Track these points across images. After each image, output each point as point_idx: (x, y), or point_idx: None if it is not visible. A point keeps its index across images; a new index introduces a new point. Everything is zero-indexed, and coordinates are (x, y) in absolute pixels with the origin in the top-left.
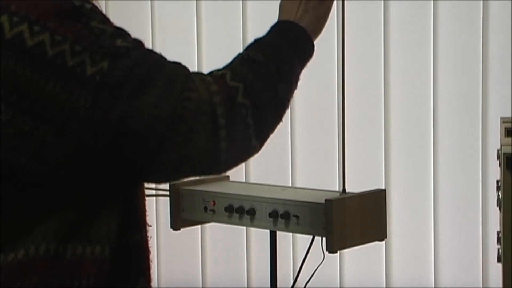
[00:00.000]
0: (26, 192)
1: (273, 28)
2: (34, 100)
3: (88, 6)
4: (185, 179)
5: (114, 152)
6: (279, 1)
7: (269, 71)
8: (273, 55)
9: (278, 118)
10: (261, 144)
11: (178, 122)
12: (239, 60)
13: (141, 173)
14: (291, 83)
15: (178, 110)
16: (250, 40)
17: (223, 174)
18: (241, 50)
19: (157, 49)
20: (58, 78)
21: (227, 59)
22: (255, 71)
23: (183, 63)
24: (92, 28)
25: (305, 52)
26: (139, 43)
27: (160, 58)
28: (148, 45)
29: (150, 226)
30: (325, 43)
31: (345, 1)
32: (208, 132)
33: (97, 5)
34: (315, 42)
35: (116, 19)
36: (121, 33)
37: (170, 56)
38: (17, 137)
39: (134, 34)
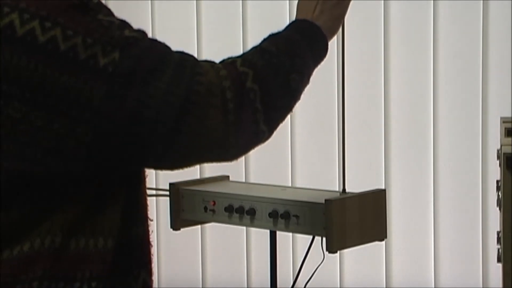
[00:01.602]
0: (36, 187)
1: (290, 25)
2: (48, 94)
3: (95, 0)
4: (186, 180)
5: (130, 140)
6: (278, 2)
7: (281, 61)
8: (286, 47)
9: (288, 107)
10: (270, 131)
11: (190, 106)
12: (252, 50)
13: (155, 159)
14: (303, 75)
15: (189, 94)
16: (250, 40)
17: (227, 173)
18: (241, 50)
19: None
20: (71, 71)
21: None
22: (267, 60)
23: None
24: (100, 21)
25: (319, 50)
26: (143, 34)
27: (166, 46)
28: None
29: (152, 220)
30: None
31: None
32: (219, 115)
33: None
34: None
35: None
36: (126, 24)
37: None
38: (31, 133)
39: None
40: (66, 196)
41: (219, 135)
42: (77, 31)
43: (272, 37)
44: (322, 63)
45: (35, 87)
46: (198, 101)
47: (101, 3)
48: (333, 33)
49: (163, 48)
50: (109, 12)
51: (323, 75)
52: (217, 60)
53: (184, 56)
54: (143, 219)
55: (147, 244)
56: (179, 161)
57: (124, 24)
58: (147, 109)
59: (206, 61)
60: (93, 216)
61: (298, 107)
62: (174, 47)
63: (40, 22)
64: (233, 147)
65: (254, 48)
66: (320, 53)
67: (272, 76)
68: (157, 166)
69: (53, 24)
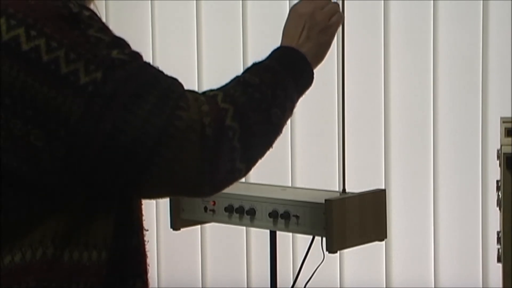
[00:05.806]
0: (22, 195)
1: (273, 53)
2: (27, 104)
3: (87, 13)
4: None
5: (102, 163)
6: (278, 2)
7: (263, 95)
8: (269, 79)
9: (268, 143)
10: (248, 168)
11: (168, 139)
12: (234, 82)
13: (126, 187)
14: (285, 109)
15: (168, 127)
16: (250, 40)
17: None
18: (241, 50)
19: (157, 50)
20: (51, 84)
21: (227, 60)
22: (249, 94)
23: (183, 63)
24: (89, 36)
25: (303, 79)
26: (137, 56)
27: (156, 72)
28: (148, 45)
29: (147, 230)
30: None
31: (345, 1)
32: (196, 152)
33: (96, 11)
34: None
35: (116, 20)
36: (119, 43)
37: (170, 57)
38: (10, 140)
39: (134, 34)
40: (54, 205)
41: (194, 171)
42: (61, 44)
43: (255, 67)
44: (323, 63)
45: (15, 95)
46: (176, 135)
47: (95, 17)
48: (318, 60)
49: (151, 75)
50: (103, 28)
51: (323, 75)
52: (217, 62)
53: (171, 87)
54: (138, 230)
55: (142, 254)
56: (149, 192)
57: (116, 43)
58: (123, 135)
59: (190, 91)
60: (85, 227)
61: (298, 107)
62: (174, 48)
63: (25, 30)
64: (207, 185)
65: (237, 79)
66: (304, 83)
67: (254, 113)
68: (129, 193)
69: (39, 33)
